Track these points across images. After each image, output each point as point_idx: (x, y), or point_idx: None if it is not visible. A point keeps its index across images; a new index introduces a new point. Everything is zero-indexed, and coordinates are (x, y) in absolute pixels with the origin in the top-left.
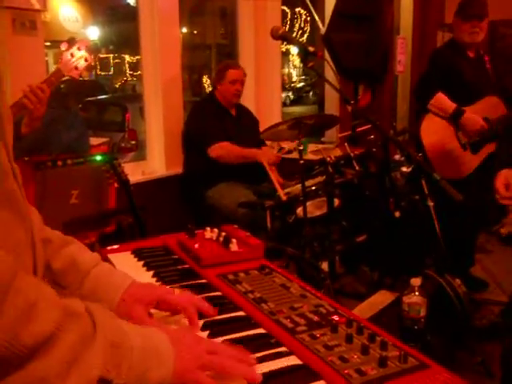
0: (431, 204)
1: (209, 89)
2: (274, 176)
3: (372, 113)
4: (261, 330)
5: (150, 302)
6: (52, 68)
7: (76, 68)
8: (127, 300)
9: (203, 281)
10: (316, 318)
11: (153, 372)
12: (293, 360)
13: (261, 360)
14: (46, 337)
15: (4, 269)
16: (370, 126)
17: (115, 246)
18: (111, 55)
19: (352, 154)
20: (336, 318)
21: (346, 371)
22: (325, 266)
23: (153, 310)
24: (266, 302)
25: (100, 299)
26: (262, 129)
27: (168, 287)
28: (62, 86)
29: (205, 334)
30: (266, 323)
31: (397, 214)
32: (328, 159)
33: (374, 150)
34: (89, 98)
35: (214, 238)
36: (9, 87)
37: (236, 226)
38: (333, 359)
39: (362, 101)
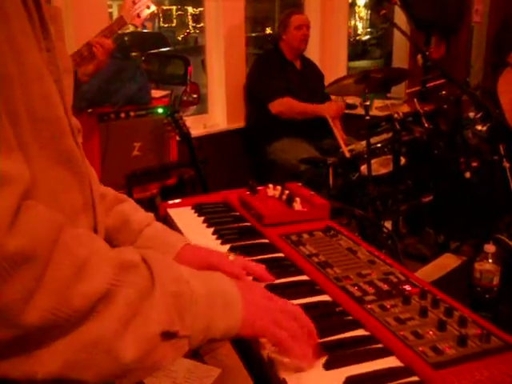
0: (507, 165)
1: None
2: (337, 132)
3: (445, 66)
4: (325, 297)
5: (203, 267)
6: None
7: (138, 16)
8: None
9: (265, 240)
10: (386, 287)
11: (220, 320)
12: (360, 331)
13: (324, 330)
14: (100, 296)
15: (46, 225)
16: (441, 81)
17: (176, 201)
18: (174, 7)
19: (421, 111)
20: (408, 287)
21: (420, 348)
22: (388, 225)
23: None
24: (331, 266)
25: None
26: (326, 83)
27: (222, 253)
28: (126, 38)
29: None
30: (331, 290)
31: (467, 174)
32: (395, 115)
33: (445, 106)
34: (151, 51)
35: (277, 196)
36: (72, 39)
37: (300, 184)
38: (405, 334)
39: (434, 53)
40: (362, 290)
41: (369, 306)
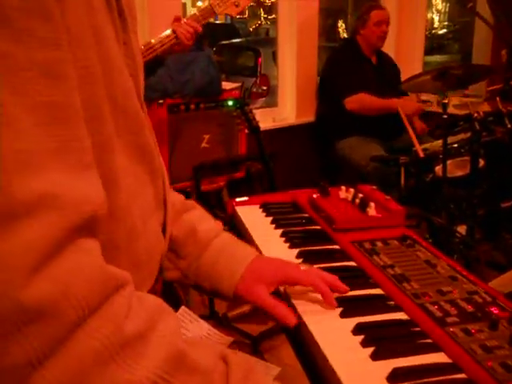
0: None
1: (343, 34)
2: (411, 130)
3: None
4: (402, 315)
5: (274, 281)
6: (190, 11)
7: (236, 5)
8: (247, 278)
9: (335, 246)
10: (470, 308)
11: None
12: (441, 357)
13: (400, 353)
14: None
15: (95, 285)
16: None
17: (244, 198)
18: None
19: (504, 110)
20: (495, 310)
21: (510, 383)
22: (461, 230)
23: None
24: (408, 280)
25: (220, 274)
26: (402, 78)
27: (296, 263)
28: None
29: (337, 311)
30: (408, 307)
31: None
32: (475, 114)
33: None
34: (222, 42)
35: (350, 199)
36: (146, 29)
37: (374, 187)
38: (493, 365)
39: None
40: (443, 309)
41: (451, 329)
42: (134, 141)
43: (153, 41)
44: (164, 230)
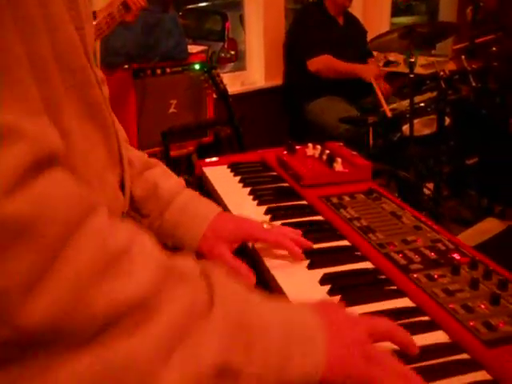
0: None
1: None
2: (379, 90)
3: (499, 18)
4: (367, 265)
5: (236, 239)
6: None
7: None
8: (209, 237)
9: (303, 202)
10: (433, 256)
11: (299, 358)
12: (405, 302)
13: (366, 299)
14: (135, 304)
15: (68, 200)
16: (491, 36)
17: (212, 159)
18: None
19: (469, 68)
20: (457, 256)
21: (471, 323)
22: (429, 188)
23: None
24: (373, 231)
25: (182, 232)
26: (369, 40)
27: (257, 221)
28: None
29: (304, 264)
30: (373, 257)
31: None
32: (441, 73)
33: (496, 63)
34: (188, 6)
35: (317, 156)
36: None
37: (341, 144)
38: (455, 307)
39: (487, 4)
40: (408, 257)
41: (415, 276)
42: (82, 97)
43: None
44: (123, 188)
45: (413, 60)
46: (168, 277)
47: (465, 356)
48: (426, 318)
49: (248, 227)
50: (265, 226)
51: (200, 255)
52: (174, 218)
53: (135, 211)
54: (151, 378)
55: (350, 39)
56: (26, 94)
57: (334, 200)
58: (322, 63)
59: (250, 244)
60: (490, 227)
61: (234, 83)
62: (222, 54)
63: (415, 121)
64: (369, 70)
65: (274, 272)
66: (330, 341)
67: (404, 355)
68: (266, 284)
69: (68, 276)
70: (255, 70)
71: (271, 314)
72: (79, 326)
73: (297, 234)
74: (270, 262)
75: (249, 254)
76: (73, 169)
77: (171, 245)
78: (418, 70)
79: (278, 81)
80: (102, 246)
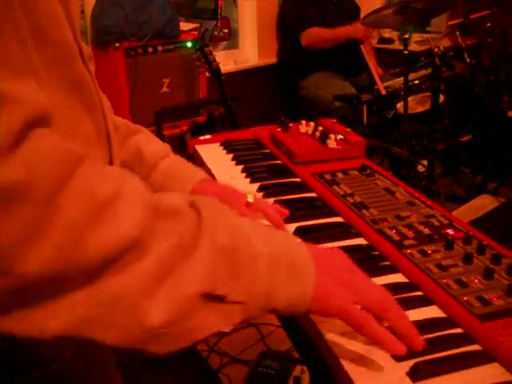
0: None
1: None
2: (372, 66)
3: None
4: (361, 241)
5: None
6: None
7: None
8: None
9: (296, 179)
10: (427, 231)
11: (283, 289)
12: (398, 278)
13: None
14: (126, 245)
15: (57, 157)
16: (486, 11)
17: (206, 137)
18: None
19: (463, 45)
20: (451, 232)
21: (464, 298)
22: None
23: None
24: (367, 207)
25: None
26: (362, 15)
27: (240, 192)
28: None
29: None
30: (367, 233)
31: (510, 113)
32: (435, 50)
33: (490, 40)
34: None
35: (310, 133)
36: None
37: (334, 121)
38: (448, 282)
39: None
40: (401, 233)
41: (408, 251)
42: (65, 72)
43: None
44: (111, 165)
45: (407, 36)
46: (156, 215)
47: (459, 330)
48: (419, 293)
49: (232, 198)
50: (248, 198)
51: None
52: (159, 180)
53: None
54: (138, 309)
55: (343, 15)
56: (13, 55)
57: (327, 177)
58: (312, 35)
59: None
60: (484, 204)
61: (227, 62)
62: (215, 32)
63: (409, 98)
64: (357, 29)
65: None
66: (320, 275)
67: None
68: None
69: (63, 225)
70: (248, 49)
71: (260, 242)
72: (77, 269)
73: (275, 207)
74: None
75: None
76: None
77: None
78: (413, 47)
79: (271, 59)
80: (91, 194)
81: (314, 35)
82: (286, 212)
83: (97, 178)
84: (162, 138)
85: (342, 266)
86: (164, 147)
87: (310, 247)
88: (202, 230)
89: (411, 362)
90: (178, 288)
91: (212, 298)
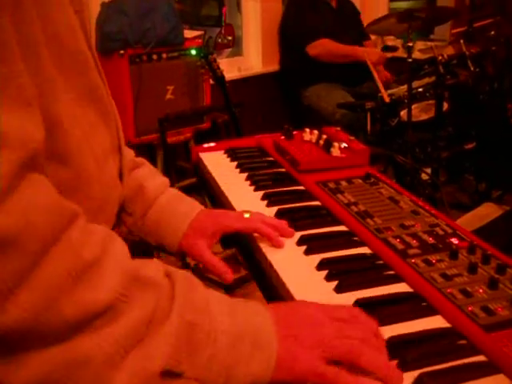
0: None
1: None
2: (377, 76)
3: (498, 1)
4: (365, 250)
5: (214, 234)
6: None
7: None
8: (189, 235)
9: (300, 187)
10: (431, 240)
11: (244, 365)
12: (403, 287)
13: (364, 284)
14: (100, 310)
15: (48, 212)
16: (490, 20)
17: (210, 144)
18: None
19: (467, 53)
20: (456, 241)
21: (469, 308)
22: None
23: None
24: (371, 216)
25: (164, 230)
26: (365, 23)
27: (237, 212)
28: None
29: (301, 249)
30: (371, 242)
31: None
32: (439, 58)
33: (494, 48)
34: None
35: (314, 141)
36: None
37: (338, 129)
38: (453, 292)
39: None
40: (405, 242)
41: (412, 261)
42: (82, 81)
43: None
44: (121, 176)
45: (411, 44)
46: (134, 284)
47: (463, 341)
48: (424, 303)
49: (224, 220)
50: (246, 215)
51: (183, 253)
52: (157, 217)
53: (121, 211)
54: (103, 377)
55: (344, 22)
56: (18, 83)
57: (332, 185)
58: (322, 47)
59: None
60: (488, 212)
61: (231, 69)
62: (219, 40)
63: (413, 106)
64: (370, 53)
65: (270, 258)
66: (283, 344)
67: (401, 342)
68: (263, 271)
69: (43, 285)
70: (252, 56)
71: (225, 318)
72: (49, 328)
73: (280, 223)
74: (266, 249)
75: (244, 242)
76: (67, 156)
77: (154, 243)
78: (417, 55)
79: (275, 66)
80: (76, 257)
81: (325, 48)
82: (290, 232)
83: (84, 238)
84: (166, 145)
85: (308, 323)
86: (163, 182)
87: (274, 312)
88: (174, 304)
89: (416, 373)
90: (143, 362)
91: (170, 374)
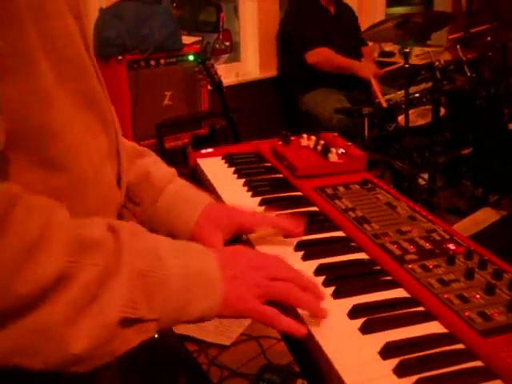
0: None
1: None
2: (376, 86)
3: (494, 7)
4: (363, 255)
5: (229, 231)
6: None
7: None
8: (203, 224)
9: (298, 193)
10: (428, 246)
11: (195, 304)
12: (400, 293)
13: (361, 290)
14: (51, 281)
15: None
16: (486, 26)
17: (208, 150)
18: None
19: (464, 58)
20: (452, 246)
21: (466, 313)
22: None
23: None
24: (368, 222)
25: (175, 219)
26: (362, 28)
27: (249, 210)
28: None
29: (298, 255)
30: (368, 247)
31: (511, 126)
32: (436, 63)
33: (490, 53)
34: None
35: (311, 147)
36: None
37: (336, 134)
38: (450, 297)
39: None
40: (402, 248)
41: (409, 266)
42: (79, 88)
43: None
44: (119, 182)
45: (408, 50)
46: (80, 248)
47: (460, 346)
48: (421, 309)
49: (240, 217)
50: (257, 214)
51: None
52: (167, 205)
53: (128, 199)
54: (63, 337)
55: (343, 27)
56: None
57: (329, 191)
58: (321, 56)
59: (244, 237)
60: (485, 217)
61: (228, 75)
62: (217, 45)
63: (410, 111)
64: (366, 68)
65: None
66: (227, 284)
67: (398, 348)
68: None
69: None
70: (250, 62)
71: (175, 263)
72: (7, 308)
73: (289, 222)
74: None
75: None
76: (63, 162)
77: (165, 233)
78: (413, 60)
79: (272, 72)
80: (22, 238)
81: (324, 57)
82: (301, 230)
83: (27, 217)
84: (164, 150)
85: (249, 265)
86: (170, 171)
87: (219, 255)
88: (123, 256)
89: (413, 379)
90: (98, 316)
91: (130, 321)
